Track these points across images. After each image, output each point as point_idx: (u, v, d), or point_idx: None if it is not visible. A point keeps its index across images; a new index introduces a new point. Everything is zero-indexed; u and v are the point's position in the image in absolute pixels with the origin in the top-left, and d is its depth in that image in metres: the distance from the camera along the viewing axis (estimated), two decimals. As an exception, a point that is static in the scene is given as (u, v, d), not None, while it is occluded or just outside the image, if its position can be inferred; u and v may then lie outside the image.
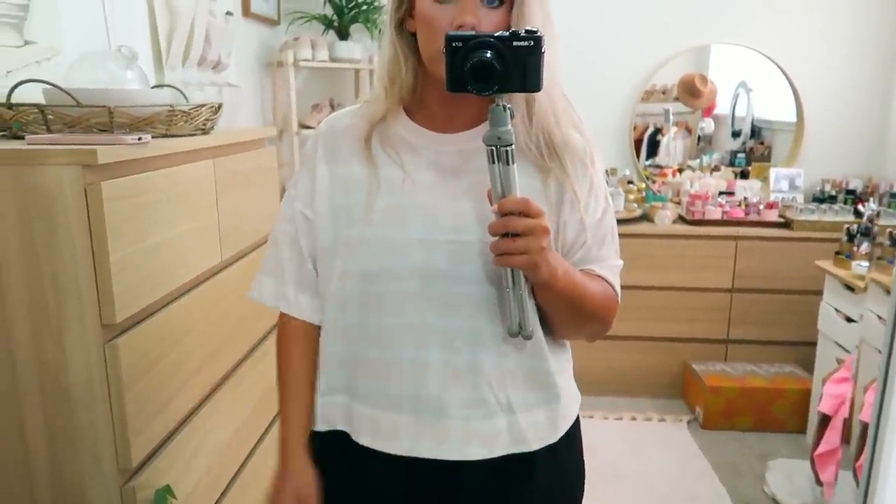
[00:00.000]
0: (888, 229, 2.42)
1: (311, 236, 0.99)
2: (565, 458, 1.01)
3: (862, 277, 2.42)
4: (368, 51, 3.16)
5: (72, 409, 1.06)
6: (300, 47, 2.92)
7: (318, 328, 1.01)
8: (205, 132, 1.42)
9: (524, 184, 0.83)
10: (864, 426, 2.05)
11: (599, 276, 0.96)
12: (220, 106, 1.47)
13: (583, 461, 1.06)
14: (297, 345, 1.01)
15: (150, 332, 1.16)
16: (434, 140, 0.94)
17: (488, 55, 0.77)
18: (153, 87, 1.52)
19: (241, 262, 1.55)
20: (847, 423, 2.18)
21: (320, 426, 1.00)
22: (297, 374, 1.01)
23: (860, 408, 2.10)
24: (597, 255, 0.97)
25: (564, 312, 0.94)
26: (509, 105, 0.80)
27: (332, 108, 3.10)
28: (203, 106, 1.39)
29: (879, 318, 2.30)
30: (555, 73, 0.87)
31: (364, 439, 0.96)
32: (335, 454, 1.00)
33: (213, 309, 1.40)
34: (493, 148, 0.80)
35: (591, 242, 0.96)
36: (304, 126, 2.97)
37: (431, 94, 0.94)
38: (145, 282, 1.15)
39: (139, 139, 1.13)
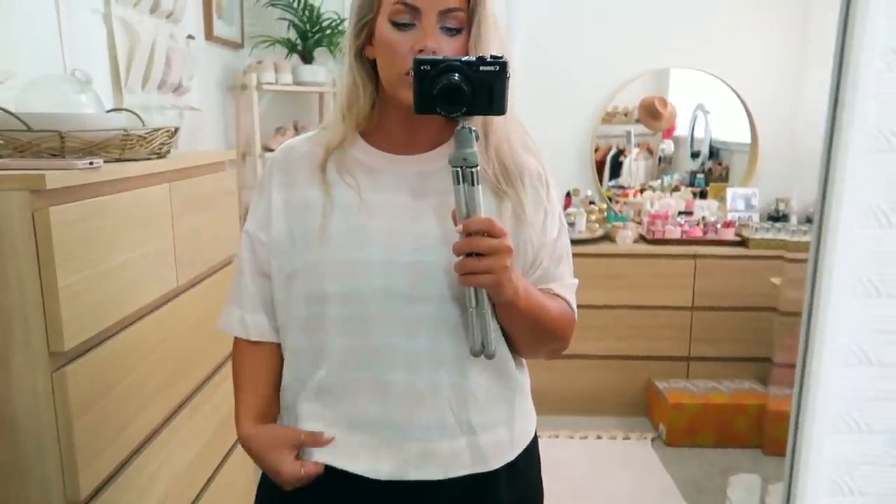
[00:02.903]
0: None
1: (266, 258, 1.00)
2: (525, 475, 1.02)
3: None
4: (332, 74, 3.18)
5: (18, 439, 1.04)
6: (263, 71, 2.93)
7: (276, 344, 1.03)
8: (160, 156, 1.41)
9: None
10: None
11: (557, 295, 0.98)
12: (176, 130, 1.46)
13: (541, 478, 1.07)
14: (252, 356, 1.03)
15: (101, 360, 1.15)
16: (393, 162, 0.96)
17: (456, 78, 0.80)
18: (109, 111, 1.51)
19: (199, 287, 1.54)
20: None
21: None
22: (249, 376, 1.03)
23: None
24: (554, 274, 0.99)
25: (525, 331, 0.95)
26: (474, 128, 0.83)
27: (297, 130, 3.10)
28: (159, 130, 1.39)
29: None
30: (512, 98, 0.90)
31: (325, 459, 0.96)
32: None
33: (169, 334, 1.39)
34: (459, 169, 0.82)
35: (549, 262, 0.98)
36: (267, 149, 2.97)
37: (390, 118, 0.96)
38: (97, 308, 1.13)
39: (90, 164, 1.12)
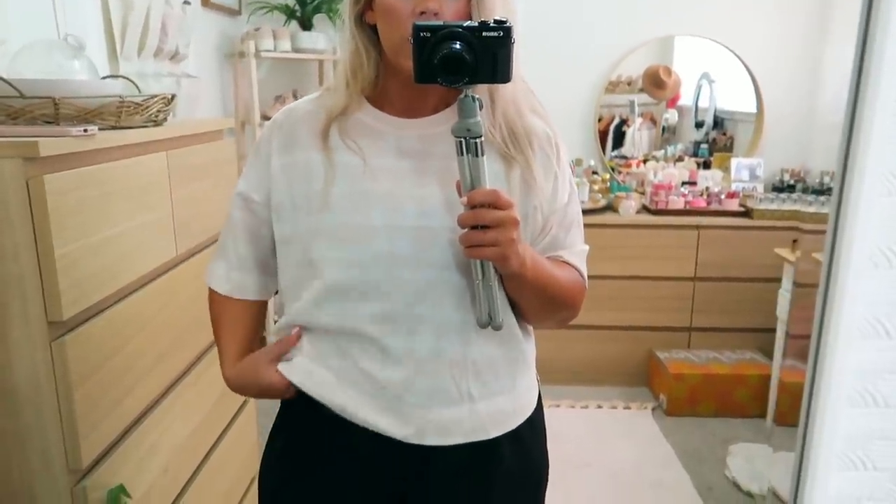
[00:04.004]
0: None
1: (256, 218, 1.00)
2: (530, 445, 1.02)
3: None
4: (332, 41, 3.13)
5: (18, 409, 1.03)
6: (262, 38, 2.88)
7: (257, 302, 1.06)
8: (157, 124, 1.38)
9: (489, 170, 0.82)
10: None
11: (566, 263, 0.97)
12: (173, 97, 1.43)
13: (546, 449, 1.07)
14: (227, 309, 1.06)
15: (100, 329, 1.14)
16: (396, 125, 0.94)
17: (458, 46, 0.76)
18: (104, 78, 1.48)
19: (199, 256, 1.53)
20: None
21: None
22: (228, 326, 1.06)
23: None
24: (564, 241, 0.98)
25: (534, 301, 0.94)
26: (478, 96, 0.80)
27: (296, 99, 3.06)
28: (155, 97, 1.36)
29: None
30: (517, 62, 0.87)
31: (331, 400, 0.95)
32: (301, 421, 0.99)
33: (169, 304, 1.38)
34: (462, 139, 0.79)
35: (558, 229, 0.97)
36: (266, 118, 2.93)
37: (394, 84, 0.93)
38: (94, 277, 1.12)
39: (85, 131, 1.10)
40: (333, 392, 0.95)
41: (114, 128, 1.25)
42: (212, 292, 1.07)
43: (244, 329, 1.06)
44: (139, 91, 1.46)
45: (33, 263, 1.00)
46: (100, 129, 1.17)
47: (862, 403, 0.62)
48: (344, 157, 0.93)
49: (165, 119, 1.43)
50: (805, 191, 3.28)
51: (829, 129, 3.41)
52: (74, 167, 1.08)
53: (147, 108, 1.33)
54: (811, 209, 2.97)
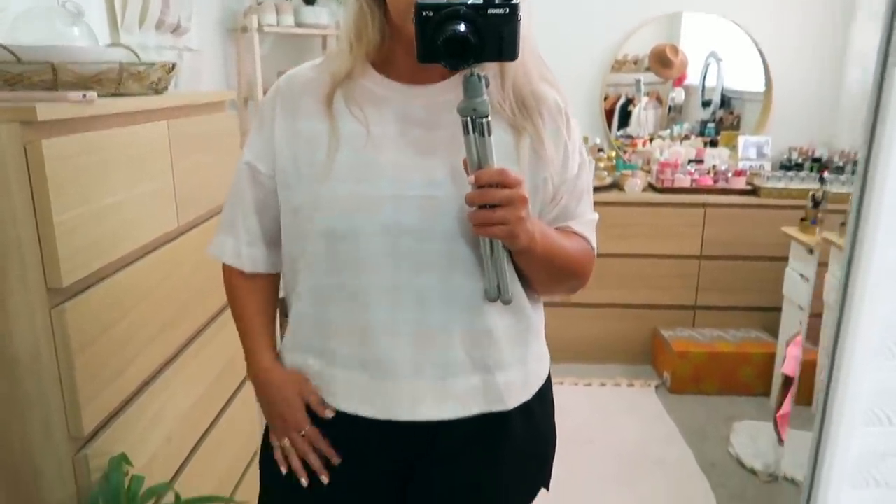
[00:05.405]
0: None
1: (263, 189, 0.98)
2: (539, 418, 1.01)
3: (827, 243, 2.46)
4: (335, 16, 3.09)
5: (18, 376, 1.03)
6: (264, 12, 2.84)
7: (271, 275, 1.04)
8: (157, 92, 1.36)
9: (498, 140, 0.81)
10: (784, 378, 2.16)
11: (575, 233, 0.96)
12: (174, 65, 1.41)
13: (554, 424, 1.07)
14: (251, 292, 1.03)
15: (101, 297, 1.13)
16: (403, 92, 0.91)
17: (462, 28, 0.73)
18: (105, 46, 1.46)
19: (200, 228, 1.51)
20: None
21: None
22: (256, 309, 1.03)
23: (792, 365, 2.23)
24: (574, 212, 0.97)
25: (543, 274, 0.93)
26: (484, 74, 0.77)
27: (299, 75, 3.03)
28: (155, 64, 1.34)
29: (802, 276, 2.57)
30: (527, 30, 0.84)
31: (337, 402, 0.95)
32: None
33: (171, 274, 1.37)
34: (469, 118, 0.77)
35: (568, 199, 0.95)
36: (269, 93, 2.91)
37: (399, 49, 0.91)
38: (95, 245, 1.11)
39: (84, 97, 1.08)
40: (344, 400, 0.95)
41: (114, 95, 1.23)
42: (229, 274, 1.04)
43: (271, 313, 1.05)
44: (139, 59, 1.44)
45: (32, 229, 0.98)
46: (99, 97, 1.15)
47: (892, 356, 0.60)
48: (348, 125, 0.91)
49: (166, 88, 1.41)
50: (801, 168, 3.24)
51: (838, 107, 3.37)
52: (73, 133, 1.06)
53: (147, 75, 1.31)
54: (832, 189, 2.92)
